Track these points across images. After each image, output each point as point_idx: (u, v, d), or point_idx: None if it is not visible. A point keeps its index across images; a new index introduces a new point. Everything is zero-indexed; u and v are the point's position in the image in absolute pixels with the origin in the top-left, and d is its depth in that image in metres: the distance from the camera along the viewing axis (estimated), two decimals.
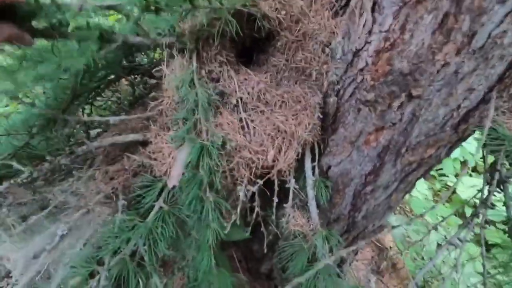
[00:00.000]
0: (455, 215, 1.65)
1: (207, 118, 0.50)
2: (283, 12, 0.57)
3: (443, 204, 1.61)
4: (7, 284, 0.44)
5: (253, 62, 0.68)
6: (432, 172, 1.87)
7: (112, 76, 0.72)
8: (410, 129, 0.57)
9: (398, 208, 1.54)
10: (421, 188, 1.61)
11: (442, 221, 0.83)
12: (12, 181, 0.50)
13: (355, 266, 1.25)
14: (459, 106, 0.53)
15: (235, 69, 0.58)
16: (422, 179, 1.69)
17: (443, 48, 0.46)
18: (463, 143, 1.58)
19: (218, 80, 0.56)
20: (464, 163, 1.97)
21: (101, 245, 0.46)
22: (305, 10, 0.57)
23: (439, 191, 1.66)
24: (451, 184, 1.70)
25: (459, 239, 0.54)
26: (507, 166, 0.56)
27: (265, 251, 0.60)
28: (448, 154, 0.65)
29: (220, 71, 0.56)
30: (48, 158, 0.51)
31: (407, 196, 1.63)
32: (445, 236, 0.91)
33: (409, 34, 0.47)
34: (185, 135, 0.49)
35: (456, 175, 1.85)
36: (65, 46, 0.46)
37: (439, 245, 1.03)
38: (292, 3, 0.58)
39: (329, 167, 0.70)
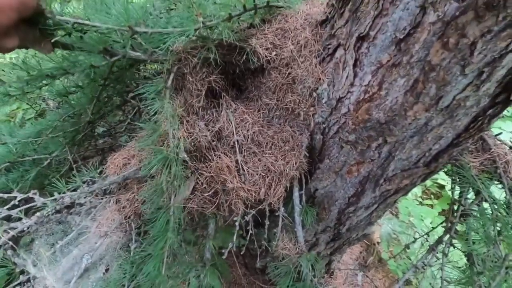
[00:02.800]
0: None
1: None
2: (274, 53, 0.63)
3: (431, 200, 1.71)
4: None
5: (245, 92, 0.74)
6: None
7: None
8: (386, 165, 0.64)
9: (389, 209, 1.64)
10: None
11: (431, 230, 0.92)
12: (39, 214, 0.59)
13: (344, 261, 1.37)
14: (430, 149, 0.59)
15: (233, 108, 0.64)
16: None
17: (414, 107, 0.52)
18: None
19: (216, 119, 0.63)
20: None
21: (121, 271, 0.55)
22: (294, 55, 0.62)
23: (428, 188, 1.75)
24: (441, 182, 1.79)
25: (423, 263, 0.63)
26: (470, 199, 0.63)
27: (258, 265, 0.69)
28: (423, 181, 0.72)
29: (217, 111, 0.62)
30: (67, 194, 0.59)
31: None
32: (427, 236, 1.00)
33: (385, 91, 0.53)
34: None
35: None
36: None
37: (422, 245, 1.14)
38: (283, 46, 0.63)
39: (316, 190, 0.78)
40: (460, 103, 0.50)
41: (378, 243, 1.46)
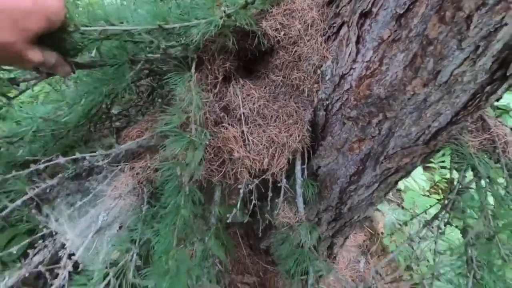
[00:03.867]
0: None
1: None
2: (282, 33, 0.66)
3: (439, 195, 1.71)
4: (65, 254, 0.59)
5: (254, 72, 0.77)
6: (433, 164, 1.94)
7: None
8: (387, 142, 0.66)
9: (394, 199, 1.65)
10: (420, 180, 1.69)
11: (426, 210, 0.94)
12: (61, 175, 0.64)
13: (348, 248, 1.40)
14: (429, 126, 0.61)
15: (240, 83, 0.68)
16: (421, 170, 1.76)
17: (412, 82, 0.54)
18: None
19: (224, 95, 0.67)
20: None
21: (132, 228, 0.60)
22: (301, 34, 0.65)
23: (436, 184, 1.75)
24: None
25: (419, 237, 0.65)
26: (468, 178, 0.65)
27: (260, 234, 0.73)
28: (423, 162, 0.74)
29: (226, 87, 0.66)
30: (87, 157, 0.64)
31: (403, 186, 1.72)
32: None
33: (385, 67, 0.56)
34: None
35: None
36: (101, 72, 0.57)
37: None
38: (291, 26, 0.66)
39: (319, 167, 0.81)
40: (458, 78, 0.52)
41: (382, 233, 1.48)
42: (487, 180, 0.57)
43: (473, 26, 0.45)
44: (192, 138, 0.57)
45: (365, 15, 0.55)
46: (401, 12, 0.49)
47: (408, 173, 0.79)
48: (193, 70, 0.62)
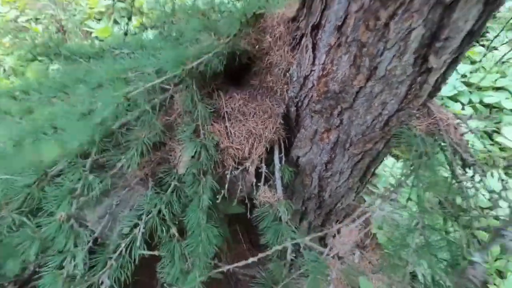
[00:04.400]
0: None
1: (204, 125, 0.76)
2: (257, 46, 0.81)
3: None
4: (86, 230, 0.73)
5: (238, 79, 0.92)
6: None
7: None
8: (349, 130, 0.79)
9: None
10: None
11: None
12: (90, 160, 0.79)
13: (342, 241, 1.48)
14: (380, 114, 0.74)
15: (225, 90, 0.83)
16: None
17: (357, 77, 0.67)
18: None
19: (212, 99, 0.81)
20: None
21: (140, 209, 0.74)
22: (272, 46, 0.80)
23: None
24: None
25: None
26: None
27: (249, 218, 0.85)
28: (386, 147, 0.85)
29: (213, 94, 0.81)
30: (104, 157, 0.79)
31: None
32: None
33: (336, 67, 0.69)
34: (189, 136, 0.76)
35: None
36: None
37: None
38: (263, 40, 0.81)
39: (298, 157, 0.93)
40: (392, 72, 0.64)
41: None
42: (425, 155, 0.68)
43: (391, 31, 0.58)
44: (203, 142, 0.72)
45: (316, 27, 0.69)
46: (339, 23, 0.63)
47: (375, 159, 0.90)
48: (195, 87, 0.77)
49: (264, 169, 0.79)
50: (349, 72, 0.68)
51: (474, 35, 0.62)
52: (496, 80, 2.45)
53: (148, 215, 0.73)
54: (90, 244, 0.71)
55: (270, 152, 0.81)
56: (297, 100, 0.81)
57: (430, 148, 0.67)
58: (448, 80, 0.73)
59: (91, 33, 2.77)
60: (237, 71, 0.87)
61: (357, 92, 0.70)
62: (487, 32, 3.19)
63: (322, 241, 1.37)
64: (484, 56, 2.81)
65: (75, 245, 0.63)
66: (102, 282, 0.66)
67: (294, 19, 0.79)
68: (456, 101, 2.51)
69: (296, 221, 1.14)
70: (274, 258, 0.76)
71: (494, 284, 1.41)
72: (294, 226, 0.76)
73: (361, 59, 0.64)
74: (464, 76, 2.69)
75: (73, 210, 0.65)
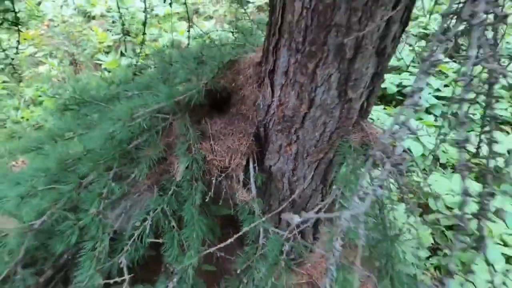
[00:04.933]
0: (419, 206, 2.04)
1: (195, 143, 1.02)
2: (233, 84, 1.09)
3: None
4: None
5: (222, 109, 1.19)
6: None
7: None
8: (304, 144, 1.04)
9: None
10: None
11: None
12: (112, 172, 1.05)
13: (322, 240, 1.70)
14: (324, 131, 1.00)
15: (210, 117, 1.10)
16: None
17: (301, 106, 0.94)
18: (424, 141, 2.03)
19: (200, 124, 1.08)
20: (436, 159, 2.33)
21: (148, 208, 0.99)
22: (244, 83, 1.07)
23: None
24: (417, 179, 2.07)
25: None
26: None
27: (232, 214, 1.09)
28: (335, 156, 1.11)
29: (201, 120, 1.08)
30: (122, 170, 1.06)
31: None
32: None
33: (287, 99, 0.96)
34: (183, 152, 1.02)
35: (424, 170, 2.21)
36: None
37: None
38: (238, 79, 1.09)
39: (270, 166, 1.19)
40: (324, 102, 0.91)
41: None
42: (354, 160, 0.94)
43: (318, 75, 0.85)
44: (194, 156, 0.99)
45: (271, 71, 0.96)
46: (285, 70, 0.90)
47: (329, 166, 1.15)
48: (187, 116, 1.04)
49: (241, 175, 1.05)
50: (296, 102, 0.94)
51: (380, 75, 0.89)
52: None
53: (154, 212, 0.98)
54: (111, 234, 0.96)
55: (247, 163, 1.07)
56: (264, 122, 1.07)
57: (357, 155, 0.92)
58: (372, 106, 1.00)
59: (100, 65, 3.11)
60: (219, 102, 1.14)
61: (304, 116, 0.96)
62: (461, 49, 3.49)
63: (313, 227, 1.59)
64: (455, 72, 3.10)
65: (103, 233, 0.88)
66: (121, 262, 0.91)
67: (259, 63, 1.07)
68: (430, 113, 2.76)
69: (276, 220, 1.38)
70: (249, 242, 1.00)
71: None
72: (265, 218, 1.00)
73: (302, 94, 0.91)
74: (437, 90, 2.96)
75: (101, 208, 0.91)
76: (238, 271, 0.92)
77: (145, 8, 1.51)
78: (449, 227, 1.96)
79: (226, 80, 1.07)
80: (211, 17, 4.76)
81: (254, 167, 1.09)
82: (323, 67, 0.83)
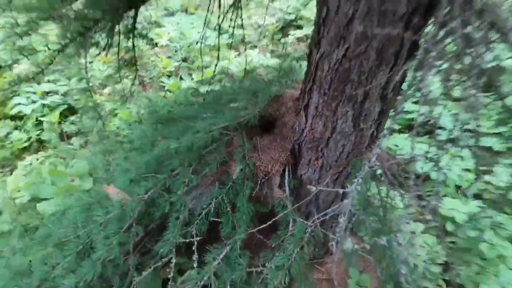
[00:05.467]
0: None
1: (248, 153, 1.44)
2: (277, 112, 1.50)
3: None
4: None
5: (269, 130, 1.61)
6: None
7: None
8: (328, 159, 1.40)
9: None
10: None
11: None
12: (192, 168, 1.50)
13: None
14: (343, 151, 1.35)
15: (259, 135, 1.52)
16: None
17: (326, 132, 1.31)
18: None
19: (252, 140, 1.50)
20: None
21: (212, 196, 1.40)
22: (285, 112, 1.48)
23: None
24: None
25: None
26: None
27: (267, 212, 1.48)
28: (352, 170, 1.44)
29: (253, 137, 1.50)
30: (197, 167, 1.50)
31: None
32: None
33: (317, 125, 1.34)
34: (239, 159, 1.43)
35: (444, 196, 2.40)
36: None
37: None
38: (280, 108, 1.50)
39: (301, 175, 1.55)
40: (343, 130, 1.27)
41: None
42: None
43: (338, 111, 1.22)
44: (247, 162, 1.40)
45: (306, 106, 1.36)
46: (316, 105, 1.29)
47: (347, 178, 1.48)
48: (244, 134, 1.47)
49: (278, 180, 1.43)
50: (322, 129, 1.32)
51: (385, 112, 1.25)
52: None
53: (216, 199, 1.39)
54: (187, 213, 1.38)
55: (284, 171, 1.46)
56: (298, 141, 1.46)
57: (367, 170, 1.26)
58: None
59: (164, 86, 3.76)
60: (266, 125, 1.56)
61: (328, 139, 1.33)
62: None
63: (324, 246, 1.90)
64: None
65: (183, 208, 1.31)
66: (193, 230, 1.32)
67: (297, 99, 1.48)
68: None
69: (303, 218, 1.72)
70: (281, 229, 1.37)
71: None
72: (295, 212, 1.36)
73: (327, 123, 1.29)
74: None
75: (183, 192, 1.34)
76: (273, 245, 1.28)
77: (201, 41, 2.01)
78: (465, 249, 2.13)
79: (272, 109, 1.49)
80: (255, 46, 5.35)
81: (289, 174, 1.47)
82: (342, 106, 1.21)
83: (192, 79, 3.88)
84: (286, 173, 1.46)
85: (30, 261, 1.23)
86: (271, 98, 1.49)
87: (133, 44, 1.60)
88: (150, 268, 1.23)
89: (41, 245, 1.34)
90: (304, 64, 1.42)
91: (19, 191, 2.13)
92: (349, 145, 1.33)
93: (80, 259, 1.22)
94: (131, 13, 1.52)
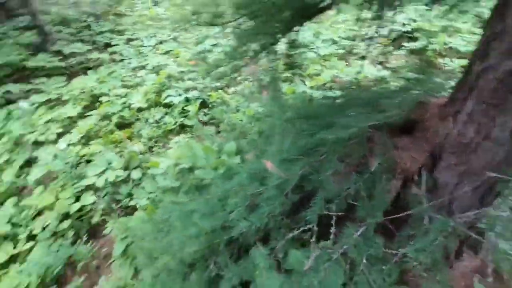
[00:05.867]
0: None
1: (389, 149, 1.62)
2: (420, 117, 1.64)
3: None
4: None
5: (409, 132, 1.75)
6: None
7: None
8: (472, 166, 1.46)
9: None
10: None
11: None
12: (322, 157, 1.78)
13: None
14: (493, 159, 1.39)
15: (399, 136, 1.68)
16: None
17: (477, 138, 1.38)
18: None
19: (392, 139, 1.68)
20: None
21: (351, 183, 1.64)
22: (429, 117, 1.61)
23: None
24: None
25: None
26: None
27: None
28: (496, 182, 1.45)
29: (393, 137, 1.68)
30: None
31: None
32: None
33: (466, 131, 1.42)
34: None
35: None
36: None
37: None
38: (424, 113, 1.63)
39: (438, 178, 1.63)
40: (498, 138, 1.33)
41: None
42: None
43: (497, 120, 1.29)
44: (386, 158, 1.60)
45: (456, 112, 1.46)
46: (469, 112, 1.38)
47: (491, 189, 1.50)
48: (385, 132, 1.67)
49: (416, 177, 1.57)
50: (473, 135, 1.40)
51: None
52: None
53: (354, 184, 1.62)
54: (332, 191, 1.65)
55: (421, 170, 1.59)
56: (440, 145, 1.56)
57: None
58: None
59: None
60: (406, 128, 1.71)
61: (477, 145, 1.40)
62: None
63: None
64: None
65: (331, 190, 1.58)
66: (333, 207, 1.58)
67: (444, 105, 1.58)
68: None
69: None
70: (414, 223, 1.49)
71: None
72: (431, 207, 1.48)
73: (480, 130, 1.36)
74: None
75: (330, 174, 1.62)
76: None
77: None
78: None
79: (415, 114, 1.63)
80: (364, 57, 5.39)
81: (426, 174, 1.58)
82: (501, 115, 1.28)
83: (305, 85, 4.23)
84: (423, 172, 1.58)
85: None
86: (415, 104, 1.64)
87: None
88: (299, 229, 1.54)
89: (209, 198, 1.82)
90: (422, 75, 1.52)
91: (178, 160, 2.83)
92: (501, 153, 1.37)
93: (248, 212, 1.62)
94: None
